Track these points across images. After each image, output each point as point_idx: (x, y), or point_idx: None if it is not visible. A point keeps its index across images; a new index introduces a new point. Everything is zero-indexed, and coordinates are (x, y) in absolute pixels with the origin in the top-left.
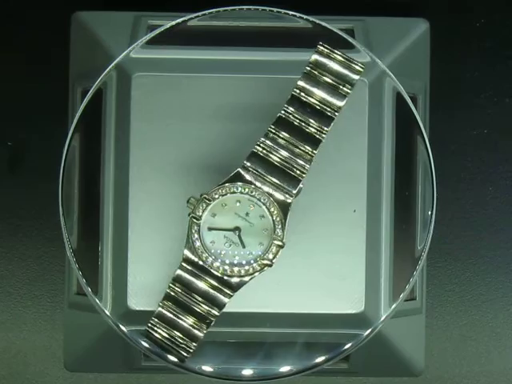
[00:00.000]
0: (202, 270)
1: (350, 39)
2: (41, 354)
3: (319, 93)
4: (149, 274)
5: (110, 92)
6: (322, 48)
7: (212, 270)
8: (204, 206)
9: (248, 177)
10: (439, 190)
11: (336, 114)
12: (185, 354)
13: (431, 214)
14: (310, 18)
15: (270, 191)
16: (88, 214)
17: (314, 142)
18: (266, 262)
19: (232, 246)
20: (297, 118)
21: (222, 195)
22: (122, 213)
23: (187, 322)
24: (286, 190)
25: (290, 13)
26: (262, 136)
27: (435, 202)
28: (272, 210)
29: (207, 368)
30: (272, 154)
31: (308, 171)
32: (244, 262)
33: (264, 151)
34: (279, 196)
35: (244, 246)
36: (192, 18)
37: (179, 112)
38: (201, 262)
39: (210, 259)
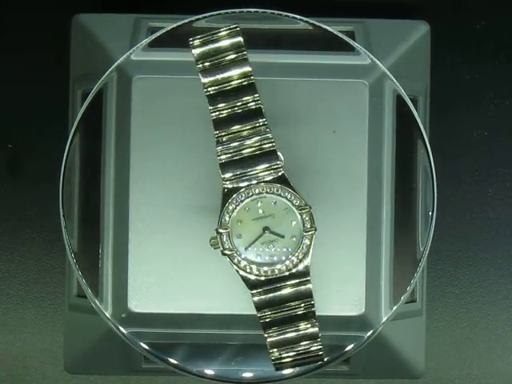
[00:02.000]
0: (271, 283)
1: (350, 41)
2: (41, 356)
3: (225, 75)
4: (149, 276)
5: (111, 94)
6: (194, 42)
7: (279, 275)
8: (225, 236)
9: (235, 185)
10: (439, 191)
11: (252, 78)
12: (320, 354)
13: (432, 215)
14: (310, 21)
15: (262, 179)
16: (88, 216)
17: (257, 114)
18: (309, 231)
19: (273, 243)
20: (227, 109)
21: (230, 215)
22: (122, 215)
23: (300, 329)
24: (271, 168)
25: (291, 15)
26: (215, 146)
27: (435, 204)
28: (276, 190)
29: (208, 370)
30: (235, 152)
31: (274, 139)
32: (293, 247)
33: (227, 155)
34: (271, 176)
35: (283, 236)
36: (193, 21)
37: (180, 114)
38: (263, 278)
39: (268, 270)
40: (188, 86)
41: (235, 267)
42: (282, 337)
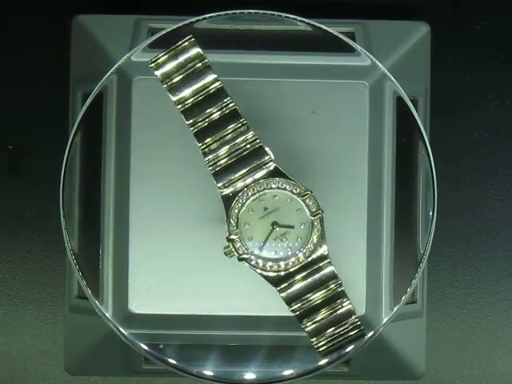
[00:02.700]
0: (293, 275)
1: (350, 43)
2: (42, 357)
3: (193, 88)
4: (150, 277)
5: (111, 95)
6: (153, 63)
7: (299, 266)
8: (237, 242)
9: (232, 189)
10: (440, 192)
11: (219, 82)
12: (361, 329)
13: (432, 216)
14: (311, 22)
15: (256, 177)
16: (89, 217)
17: (234, 116)
18: (316, 214)
19: (285, 236)
20: (204, 119)
21: (236, 221)
22: (122, 216)
23: (333, 311)
24: (262, 164)
25: (291, 16)
26: (206, 157)
27: (436, 205)
28: (274, 184)
29: (208, 372)
30: (224, 158)
31: (257, 135)
32: (305, 235)
33: (218, 163)
34: (264, 172)
35: (292, 227)
36: (193, 22)
37: (180, 115)
38: (283, 273)
39: (287, 263)
40: None
41: (255, 269)
42: (318, 324)
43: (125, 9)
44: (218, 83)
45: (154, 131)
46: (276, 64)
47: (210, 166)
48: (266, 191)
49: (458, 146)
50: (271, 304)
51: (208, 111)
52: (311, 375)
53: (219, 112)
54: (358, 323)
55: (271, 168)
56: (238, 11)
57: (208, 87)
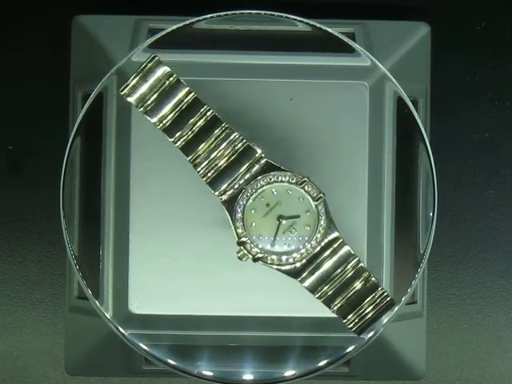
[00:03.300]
0: (310, 263)
1: (350, 43)
2: (42, 358)
3: (168, 106)
4: (150, 278)
5: (111, 96)
6: (124, 91)
7: (313, 253)
8: (248, 244)
9: (230, 194)
10: (440, 192)
11: (192, 94)
12: (389, 299)
13: (432, 217)
14: (311, 22)
15: (251, 176)
16: (89, 218)
17: (215, 122)
18: (318, 198)
19: (293, 227)
20: (187, 133)
21: (241, 223)
22: (123, 216)
23: (358, 289)
24: (253, 162)
25: (291, 17)
26: (197, 169)
27: (436, 206)
28: (270, 178)
29: (208, 372)
30: (215, 166)
31: (241, 136)
32: (312, 221)
33: (210, 172)
34: (257, 169)
35: (298, 216)
36: (193, 22)
37: None
38: (300, 264)
39: (302, 252)
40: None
41: (271, 266)
42: (346, 304)
43: (125, 9)
44: (191, 95)
45: (153, 131)
46: (276, 64)
47: (203, 176)
48: (264, 187)
49: (458, 146)
50: (272, 304)
51: (189, 123)
52: (312, 375)
53: (200, 122)
54: (386, 293)
55: (263, 164)
56: (237, 12)
57: (183, 101)
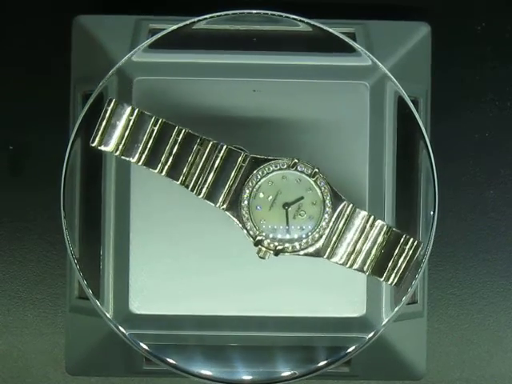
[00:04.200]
0: (331, 238)
1: (351, 43)
2: (42, 358)
3: (142, 140)
4: (150, 278)
5: (112, 96)
6: (95, 143)
7: (330, 227)
8: (265, 241)
9: (230, 201)
10: (440, 193)
11: (160, 120)
12: (415, 243)
13: (433, 217)
14: (311, 22)
15: (243, 177)
16: (89, 218)
17: (190, 139)
18: (314, 175)
19: (301, 210)
20: (168, 160)
21: (252, 223)
22: (123, 216)
23: (382, 245)
24: (241, 162)
25: (292, 17)
26: (189, 189)
27: (437, 206)
28: (262, 172)
29: (208, 372)
30: (206, 181)
31: (218, 141)
32: (317, 199)
33: (203, 188)
34: (248, 166)
35: (302, 197)
36: (194, 22)
37: (180, 116)
38: (322, 243)
39: (319, 230)
40: (189, 88)
41: (299, 254)
42: (377, 262)
43: (125, 9)
44: (159, 121)
45: None
46: (276, 64)
47: (198, 194)
48: (260, 182)
49: (458, 146)
50: (272, 304)
51: (166, 150)
52: (312, 375)
53: (176, 145)
54: (410, 239)
55: (250, 161)
56: (238, 11)
57: (153, 130)
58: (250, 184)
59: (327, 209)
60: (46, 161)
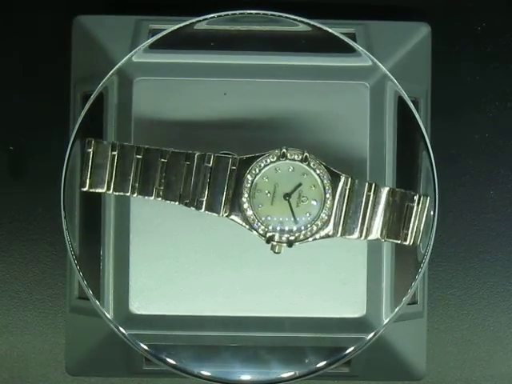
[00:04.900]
0: (339, 214)
1: (351, 43)
2: (42, 358)
3: (131, 173)
4: (150, 278)
5: (112, 96)
6: (86, 188)
7: (336, 206)
8: (276, 236)
9: (231, 205)
10: (441, 193)
11: (143, 149)
12: (422, 198)
13: (433, 217)
14: (311, 22)
15: (238, 178)
16: (89, 218)
17: (177, 158)
18: (304, 160)
19: (303, 196)
20: (161, 185)
21: (260, 222)
22: (123, 216)
23: (391, 209)
24: (232, 166)
25: (292, 17)
26: (188, 206)
27: (437, 206)
28: (254, 170)
29: (208, 372)
30: (202, 194)
31: (201, 153)
32: (315, 182)
33: (201, 202)
34: (240, 167)
35: (300, 184)
36: (194, 23)
37: (181, 116)
38: (331, 222)
39: (324, 210)
40: (189, 88)
41: (313, 239)
42: (389, 226)
43: (126, 10)
44: (142, 148)
45: (154, 132)
46: (277, 65)
47: (198, 209)
48: (255, 180)
49: (458, 146)
50: (272, 305)
51: (157, 175)
52: (312, 376)
53: (164, 166)
54: (415, 195)
55: (240, 162)
56: (238, 12)
57: (138, 159)
58: (246, 185)
59: (327, 188)
60: (46, 161)
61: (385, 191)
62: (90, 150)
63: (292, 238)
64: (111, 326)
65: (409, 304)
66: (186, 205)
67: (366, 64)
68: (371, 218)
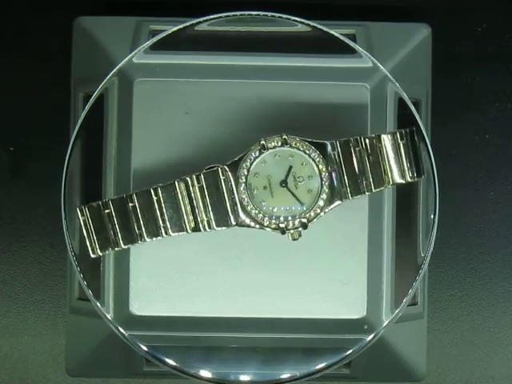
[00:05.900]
0: (340, 179)
1: (352, 44)
2: (43, 359)
3: (133, 223)
4: (151, 279)
5: (112, 97)
6: (95, 253)
7: (334, 168)
8: (288, 223)
9: (234, 217)
10: (441, 194)
11: (135, 196)
12: (409, 131)
13: (434, 218)
14: (312, 23)
15: (232, 186)
16: None
17: (170, 189)
18: (294, 145)
19: (299, 177)
20: (165, 221)
21: (270, 217)
22: None
23: (383, 151)
24: (222, 176)
25: (292, 18)
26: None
27: (437, 207)
28: (243, 168)
29: (208, 373)
30: (202, 213)
31: (186, 176)
32: (307, 159)
33: (205, 222)
34: (231, 175)
35: (291, 166)
36: (194, 24)
37: (181, 117)
38: (336, 193)
39: (325, 183)
40: (189, 89)
41: (324, 212)
42: (392, 168)
43: (126, 11)
44: (133, 196)
45: (154, 133)
46: (277, 66)
47: (205, 228)
48: (248, 180)
49: (459, 148)
50: (272, 306)
51: (157, 215)
52: (313, 377)
53: (158, 201)
54: (400, 132)
55: (228, 170)
56: (238, 13)
57: (135, 207)
58: (242, 189)
59: (317, 160)
60: (47, 162)
61: (371, 140)
62: (84, 218)
63: (304, 220)
64: (111, 326)
65: (409, 305)
66: (193, 231)
67: (367, 65)
68: (370, 171)
